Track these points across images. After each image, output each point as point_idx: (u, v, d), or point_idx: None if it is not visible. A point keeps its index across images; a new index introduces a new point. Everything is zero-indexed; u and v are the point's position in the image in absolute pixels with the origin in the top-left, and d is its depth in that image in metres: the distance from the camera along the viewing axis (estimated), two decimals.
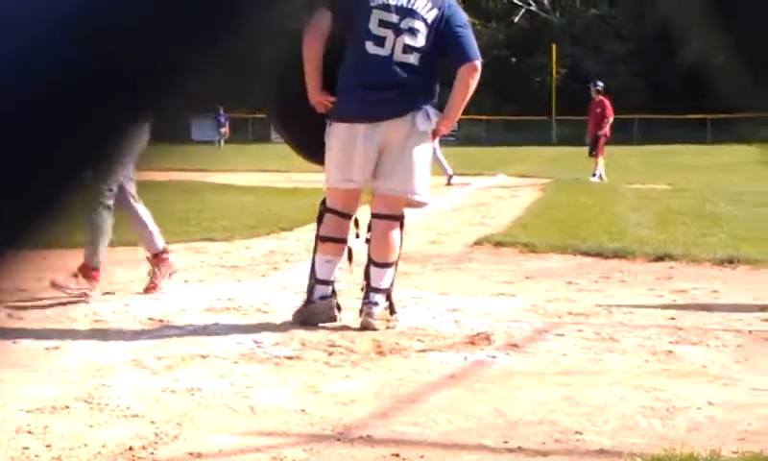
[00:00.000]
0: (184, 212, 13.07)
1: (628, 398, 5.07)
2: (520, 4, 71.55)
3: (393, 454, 4.22)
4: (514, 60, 67.37)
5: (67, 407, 4.74)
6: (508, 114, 61.18)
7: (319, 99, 6.67)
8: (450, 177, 22.53)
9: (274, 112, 7.19)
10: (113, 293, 7.67)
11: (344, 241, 6.80)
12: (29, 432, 4.37)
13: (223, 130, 45.83)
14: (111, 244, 7.62)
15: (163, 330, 6.56)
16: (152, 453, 4.19)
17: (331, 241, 6.78)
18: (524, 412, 4.81)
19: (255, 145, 47.24)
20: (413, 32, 6.62)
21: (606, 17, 68.27)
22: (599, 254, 10.22)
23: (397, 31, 6.61)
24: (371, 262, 6.81)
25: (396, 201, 6.81)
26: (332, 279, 6.81)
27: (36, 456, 4.12)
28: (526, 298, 7.92)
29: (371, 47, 6.59)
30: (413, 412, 4.82)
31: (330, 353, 5.96)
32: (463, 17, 6.89)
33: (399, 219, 6.85)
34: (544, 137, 58.79)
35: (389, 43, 6.59)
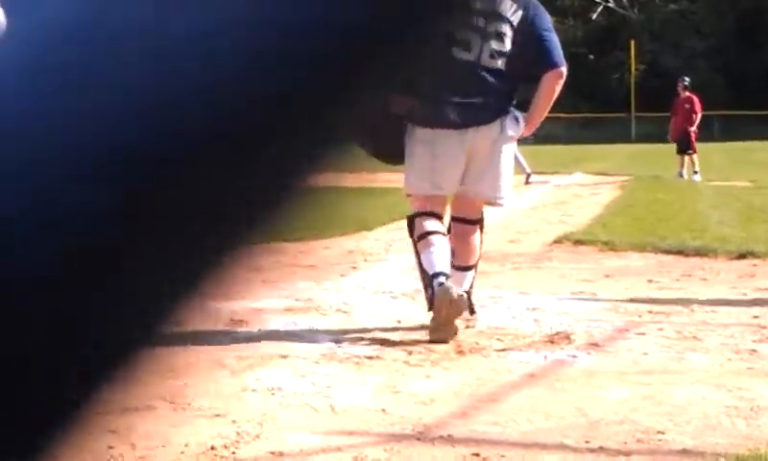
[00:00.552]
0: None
1: (711, 397, 5.02)
2: (598, 1, 71.10)
3: (473, 454, 4.22)
4: (591, 57, 66.93)
5: (150, 407, 4.79)
6: (586, 112, 60.78)
7: (398, 102, 6.38)
8: (529, 175, 22.44)
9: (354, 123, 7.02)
10: None
11: (442, 233, 6.55)
12: (113, 432, 4.43)
13: None
14: None
15: (243, 331, 6.60)
16: (233, 453, 4.22)
17: (426, 236, 6.51)
18: (605, 411, 4.78)
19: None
20: (500, 36, 6.48)
21: (685, 12, 67.61)
22: (680, 252, 10.12)
23: (484, 35, 6.45)
24: (451, 266, 6.64)
25: (479, 205, 6.76)
26: (443, 270, 6.36)
27: (121, 456, 4.18)
28: (606, 296, 7.86)
29: (456, 52, 6.39)
30: (493, 411, 4.81)
31: (410, 353, 5.97)
32: (548, 20, 6.75)
33: (480, 222, 6.79)
34: (624, 134, 58.27)
35: (475, 48, 6.43)
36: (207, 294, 0.67)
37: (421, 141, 6.53)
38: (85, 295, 0.62)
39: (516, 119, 6.61)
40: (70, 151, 0.60)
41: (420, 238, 6.54)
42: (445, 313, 6.21)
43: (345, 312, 7.22)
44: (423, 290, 6.57)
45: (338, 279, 8.84)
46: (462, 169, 6.53)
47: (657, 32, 67.16)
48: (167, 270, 0.64)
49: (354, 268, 9.49)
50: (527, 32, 6.52)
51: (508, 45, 6.49)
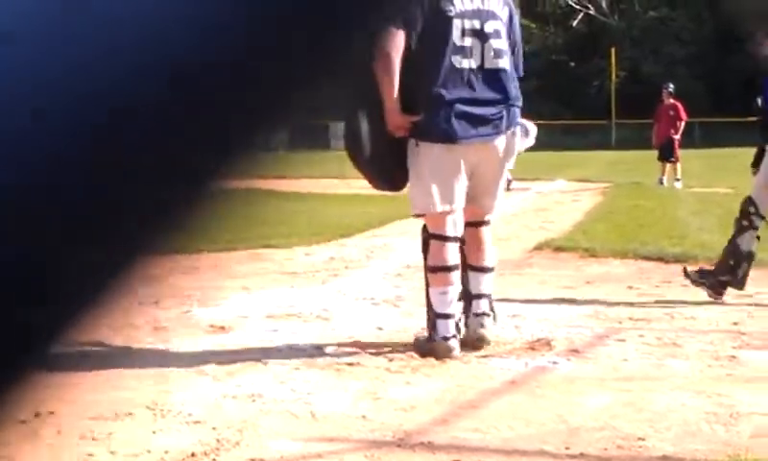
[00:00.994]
0: (244, 219, 13.10)
1: (691, 403, 5.03)
2: (579, 8, 71.20)
3: (454, 460, 4.22)
4: (572, 64, 67.08)
5: (130, 414, 4.78)
6: (567, 119, 60.86)
7: (401, 122, 6.06)
8: (510, 182, 22.42)
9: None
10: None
11: (456, 268, 6.18)
12: (93, 439, 4.42)
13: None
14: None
15: (224, 337, 6.60)
16: (214, 459, 4.22)
17: (442, 271, 6.16)
18: (586, 418, 4.78)
19: (314, 152, 47.42)
20: (498, 34, 6.19)
21: (665, 19, 67.75)
22: (660, 259, 10.13)
23: (483, 37, 6.14)
24: (469, 268, 6.37)
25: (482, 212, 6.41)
26: (453, 312, 6.15)
27: None
28: (587, 303, 7.87)
29: (458, 61, 6.09)
30: (474, 418, 4.82)
31: (391, 359, 5.97)
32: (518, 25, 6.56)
33: (489, 221, 6.50)
34: (604, 141, 58.35)
35: (476, 53, 6.11)
36: (129, 298, 0.66)
37: (434, 157, 6.12)
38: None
39: (527, 131, 6.40)
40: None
41: (435, 270, 6.19)
42: (435, 356, 6.04)
43: (325, 319, 7.21)
44: (426, 312, 6.26)
45: (319, 285, 8.84)
46: (468, 183, 6.18)
47: (637, 39, 67.32)
48: (90, 273, 0.64)
49: (335, 275, 9.49)
50: (511, 31, 6.32)
51: (506, 43, 6.24)
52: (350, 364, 5.86)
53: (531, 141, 6.47)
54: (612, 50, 61.55)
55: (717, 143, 50.14)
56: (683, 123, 26.04)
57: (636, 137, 46.06)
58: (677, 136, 25.74)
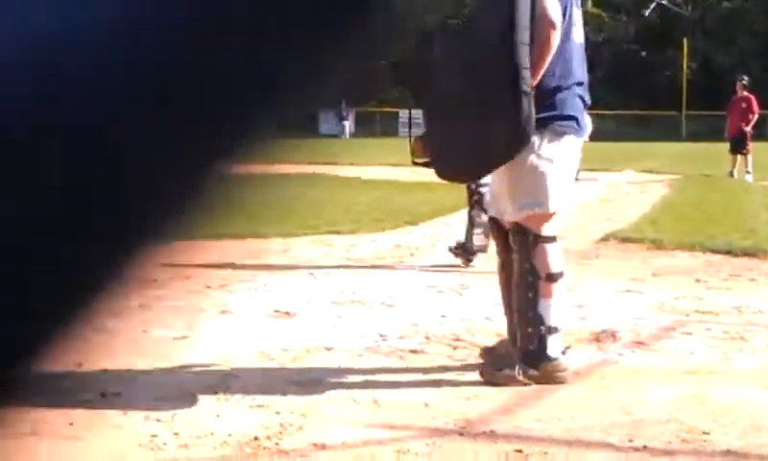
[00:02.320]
0: (311, 205, 13.16)
1: (757, 398, 4.98)
2: None
3: (516, 450, 4.21)
4: (643, 53, 66.61)
5: (194, 396, 4.82)
6: (636, 109, 60.43)
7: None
8: (577, 172, 22.27)
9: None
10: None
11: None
12: (157, 420, 4.45)
13: (345, 123, 46.60)
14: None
15: (289, 322, 6.62)
16: (276, 443, 4.24)
17: (559, 279, 5.38)
18: (650, 410, 4.75)
19: (382, 139, 47.38)
20: (578, 1, 5.43)
21: (739, 11, 67.06)
22: (729, 252, 10.03)
23: (576, 3, 5.37)
24: None
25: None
26: (560, 326, 5.33)
27: (164, 444, 4.20)
28: (653, 295, 7.81)
29: (576, 35, 5.29)
30: (536, 408, 4.80)
31: (454, 348, 5.96)
32: None
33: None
34: (674, 133, 57.91)
35: (580, 25, 5.36)
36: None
37: (556, 150, 5.29)
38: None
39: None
40: None
41: (549, 278, 5.31)
42: (556, 379, 5.22)
43: (390, 306, 7.22)
44: (521, 328, 5.28)
45: (384, 272, 8.85)
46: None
47: (709, 30, 66.68)
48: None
49: (401, 262, 9.49)
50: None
51: (580, 10, 5.47)
52: (414, 351, 5.86)
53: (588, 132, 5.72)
54: (684, 41, 61.04)
55: None
56: (755, 116, 25.88)
57: (707, 129, 45.67)
58: (748, 129, 25.55)
